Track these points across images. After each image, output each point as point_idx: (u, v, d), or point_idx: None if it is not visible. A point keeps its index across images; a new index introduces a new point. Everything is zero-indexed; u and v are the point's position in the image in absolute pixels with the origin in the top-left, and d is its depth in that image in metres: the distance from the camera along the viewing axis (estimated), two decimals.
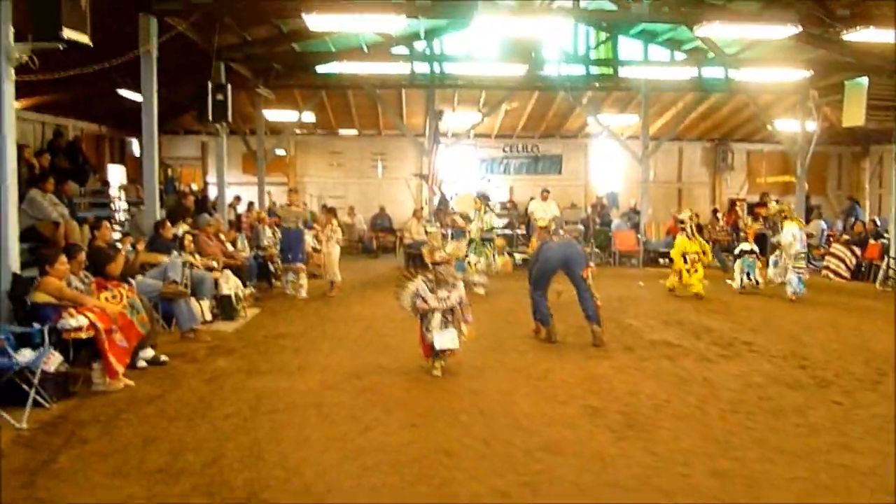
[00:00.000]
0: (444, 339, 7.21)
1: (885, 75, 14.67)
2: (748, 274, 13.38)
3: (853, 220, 18.37)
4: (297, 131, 20.43)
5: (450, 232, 13.30)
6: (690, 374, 7.55)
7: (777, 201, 14.71)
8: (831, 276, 15.79)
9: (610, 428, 5.74)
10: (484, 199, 13.76)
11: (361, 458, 5.06)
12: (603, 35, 18.03)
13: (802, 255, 12.62)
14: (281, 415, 6.05)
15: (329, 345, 8.85)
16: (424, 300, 7.25)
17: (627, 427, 5.78)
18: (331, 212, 13.76)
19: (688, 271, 12.93)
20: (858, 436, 5.63)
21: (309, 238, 13.68)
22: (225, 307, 10.30)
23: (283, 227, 13.08)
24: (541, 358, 8.16)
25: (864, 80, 14.74)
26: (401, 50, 17.14)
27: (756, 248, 13.58)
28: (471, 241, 12.94)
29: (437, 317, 7.23)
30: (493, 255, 13.56)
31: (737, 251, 13.88)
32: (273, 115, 18.62)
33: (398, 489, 4.59)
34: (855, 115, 15.11)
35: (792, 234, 12.51)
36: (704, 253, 13.07)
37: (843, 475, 4.85)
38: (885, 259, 14.73)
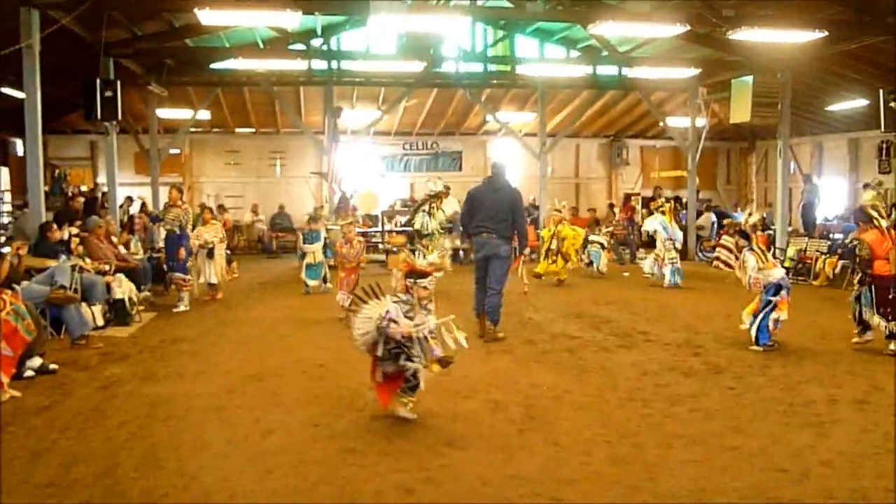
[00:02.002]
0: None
1: (769, 73, 15.35)
2: (592, 262, 14.93)
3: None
4: (192, 130, 19.88)
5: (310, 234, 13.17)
6: (590, 364, 7.71)
7: (663, 198, 15.59)
8: (722, 266, 16.35)
9: (512, 421, 5.81)
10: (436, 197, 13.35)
11: (263, 462, 4.97)
12: (500, 33, 18.24)
13: (670, 247, 13.67)
14: (179, 421, 5.88)
15: (228, 348, 8.65)
16: (397, 324, 5.47)
17: (529, 419, 5.85)
18: (210, 210, 13.11)
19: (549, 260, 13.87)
20: (749, 419, 5.86)
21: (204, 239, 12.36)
22: (118, 312, 9.94)
23: (167, 230, 11.71)
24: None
25: (750, 79, 15.40)
26: (298, 46, 16.89)
27: (603, 241, 15.18)
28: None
29: (426, 337, 5.59)
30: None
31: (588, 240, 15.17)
32: (166, 113, 18.08)
33: (301, 491, 4.52)
34: (741, 111, 15.79)
35: (655, 225, 13.82)
36: (557, 246, 13.84)
37: (735, 457, 5.04)
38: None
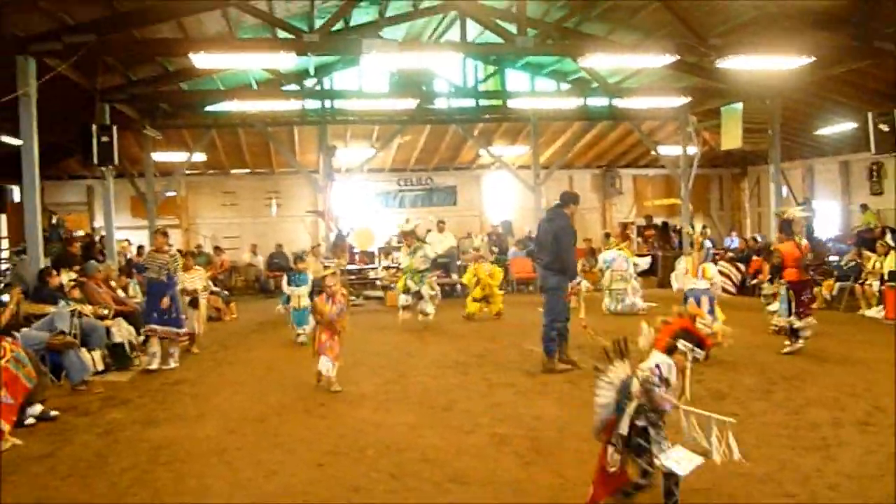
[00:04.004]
0: (685, 459, 4.25)
1: (758, 100, 15.51)
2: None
3: None
4: (188, 172, 19.98)
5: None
6: (592, 395, 7.67)
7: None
8: (720, 291, 16.42)
9: (517, 454, 5.79)
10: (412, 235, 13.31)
11: None
12: (491, 68, 18.42)
13: (619, 277, 14.28)
14: (181, 465, 5.84)
15: (229, 389, 8.61)
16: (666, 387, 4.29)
17: (534, 452, 5.84)
18: (192, 256, 12.77)
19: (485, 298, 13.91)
20: (753, 444, 5.84)
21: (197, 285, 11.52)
22: (118, 356, 9.90)
23: (147, 278, 10.32)
24: (444, 388, 8.16)
25: (739, 105, 15.55)
26: (292, 87, 17.06)
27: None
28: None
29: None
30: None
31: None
32: (162, 156, 18.18)
33: None
34: (732, 138, 15.93)
35: (606, 259, 14.54)
36: (492, 276, 14.07)
37: (743, 483, 5.03)
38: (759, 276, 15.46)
